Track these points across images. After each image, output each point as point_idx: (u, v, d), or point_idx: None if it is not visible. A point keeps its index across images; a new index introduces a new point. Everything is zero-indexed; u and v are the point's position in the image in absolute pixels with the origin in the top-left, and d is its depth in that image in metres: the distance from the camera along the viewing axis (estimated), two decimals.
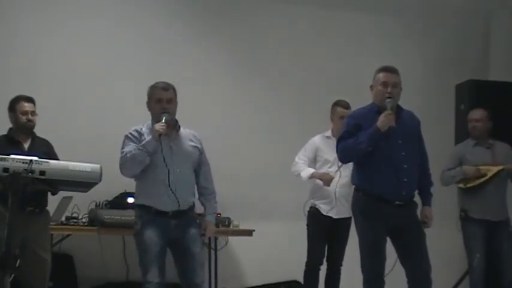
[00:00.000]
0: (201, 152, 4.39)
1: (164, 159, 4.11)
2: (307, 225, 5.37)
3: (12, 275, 3.82)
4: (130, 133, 4.27)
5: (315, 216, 5.33)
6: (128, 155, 4.12)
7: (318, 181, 5.32)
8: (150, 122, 4.29)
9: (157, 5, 6.43)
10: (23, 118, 4.62)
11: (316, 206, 5.34)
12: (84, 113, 6.05)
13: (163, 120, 4.12)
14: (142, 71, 6.19)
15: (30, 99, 4.67)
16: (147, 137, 4.16)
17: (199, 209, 4.45)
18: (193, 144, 4.35)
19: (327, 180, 5.22)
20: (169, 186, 4.10)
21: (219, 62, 6.49)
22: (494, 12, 7.12)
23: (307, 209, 5.38)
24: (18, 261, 3.32)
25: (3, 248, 3.28)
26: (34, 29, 6.04)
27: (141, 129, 4.27)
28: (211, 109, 6.37)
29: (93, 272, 5.94)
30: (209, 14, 6.52)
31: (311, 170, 5.32)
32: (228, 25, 6.55)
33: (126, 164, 4.15)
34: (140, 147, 4.11)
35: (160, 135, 4.08)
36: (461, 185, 5.46)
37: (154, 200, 4.16)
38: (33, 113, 4.65)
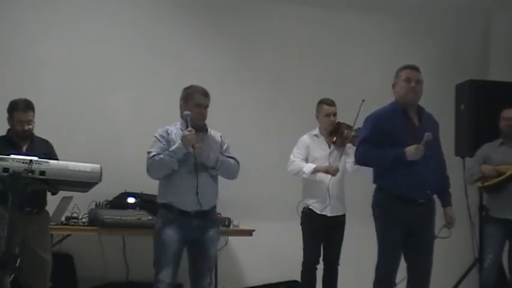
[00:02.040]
0: (223, 151, 4.44)
1: (196, 162, 4.17)
2: (301, 225, 5.36)
3: (12, 275, 3.82)
4: (159, 134, 4.30)
5: (308, 216, 5.32)
6: (157, 158, 4.17)
7: (315, 178, 5.27)
8: (179, 122, 4.35)
9: (158, 5, 6.43)
10: (18, 128, 4.58)
11: (310, 207, 5.31)
12: (84, 113, 6.05)
13: (189, 127, 4.16)
14: (143, 71, 6.20)
15: (27, 107, 4.59)
16: (177, 143, 4.18)
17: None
18: (217, 146, 4.42)
19: (333, 171, 5.18)
20: (197, 186, 4.16)
21: (219, 62, 6.48)
22: (494, 12, 7.12)
23: (301, 209, 5.36)
24: (18, 261, 3.33)
25: (3, 248, 3.29)
26: (34, 29, 6.04)
27: (169, 129, 4.33)
28: (212, 109, 6.32)
29: (93, 272, 5.94)
30: (210, 14, 6.51)
31: (313, 165, 5.28)
32: (229, 25, 6.54)
33: (154, 167, 4.20)
34: (171, 154, 4.15)
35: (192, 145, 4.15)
36: (479, 184, 5.50)
37: (178, 199, 4.21)
38: (29, 122, 4.60)
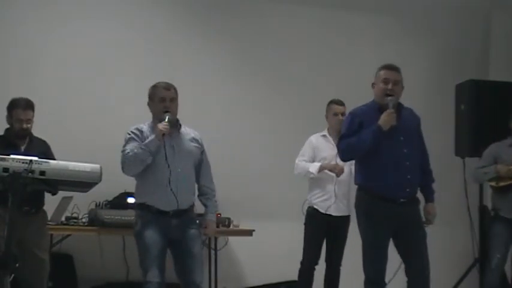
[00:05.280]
0: (202, 151, 4.41)
1: (166, 158, 4.13)
2: (305, 224, 5.36)
3: (12, 275, 3.82)
4: (132, 131, 4.26)
5: (312, 216, 5.31)
6: (130, 153, 4.12)
7: (321, 175, 5.26)
8: (152, 121, 4.31)
9: (158, 5, 6.43)
10: (17, 126, 4.58)
11: (315, 206, 5.31)
12: (84, 112, 6.05)
13: (166, 120, 4.14)
14: (142, 70, 6.19)
15: (28, 106, 4.59)
16: (150, 136, 4.16)
17: (199, 209, 4.45)
18: (194, 143, 4.36)
19: (339, 170, 5.18)
20: (169, 185, 4.11)
21: (219, 62, 6.49)
22: (494, 12, 7.12)
23: (306, 207, 5.35)
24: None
25: (3, 248, 3.29)
26: (34, 28, 6.04)
27: (143, 127, 4.29)
28: (212, 109, 6.37)
29: (93, 272, 5.94)
30: (210, 14, 6.52)
31: (318, 164, 5.28)
32: (229, 25, 6.54)
33: (127, 163, 4.15)
34: (143, 147, 4.12)
35: (163, 134, 4.09)
36: (492, 184, 5.47)
37: (155, 199, 4.17)
38: (28, 121, 4.59)
